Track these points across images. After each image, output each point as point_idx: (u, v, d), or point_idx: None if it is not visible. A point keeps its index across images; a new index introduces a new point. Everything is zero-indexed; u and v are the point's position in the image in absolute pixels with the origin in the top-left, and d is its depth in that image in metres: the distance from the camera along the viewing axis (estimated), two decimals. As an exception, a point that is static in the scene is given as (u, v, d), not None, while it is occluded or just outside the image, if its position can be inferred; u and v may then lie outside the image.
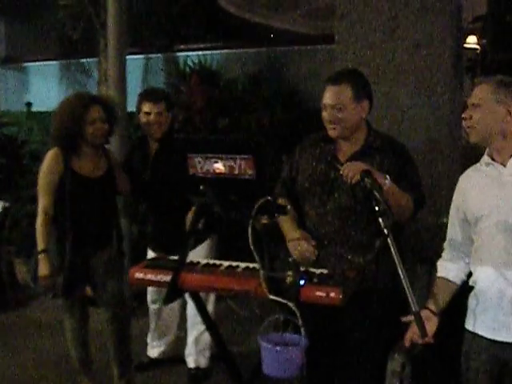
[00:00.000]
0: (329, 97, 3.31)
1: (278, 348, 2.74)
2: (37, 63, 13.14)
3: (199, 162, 2.86)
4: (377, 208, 2.69)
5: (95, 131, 4.18)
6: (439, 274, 3.18)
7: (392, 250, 2.59)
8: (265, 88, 8.93)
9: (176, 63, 10.67)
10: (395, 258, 2.58)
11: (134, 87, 10.78)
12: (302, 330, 2.75)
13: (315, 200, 3.41)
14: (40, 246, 4.09)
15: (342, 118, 3.29)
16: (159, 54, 11.64)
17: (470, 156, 3.45)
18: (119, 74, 6.11)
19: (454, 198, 3.18)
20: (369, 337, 3.24)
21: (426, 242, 3.66)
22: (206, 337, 4.69)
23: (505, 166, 2.93)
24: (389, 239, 2.60)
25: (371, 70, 4.18)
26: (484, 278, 2.95)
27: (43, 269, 4.05)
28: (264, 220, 2.83)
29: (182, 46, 11.45)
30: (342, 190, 3.30)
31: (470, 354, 3.00)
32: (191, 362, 4.92)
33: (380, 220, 2.65)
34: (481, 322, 2.96)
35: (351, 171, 2.99)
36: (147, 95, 4.62)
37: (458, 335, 3.13)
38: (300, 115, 8.40)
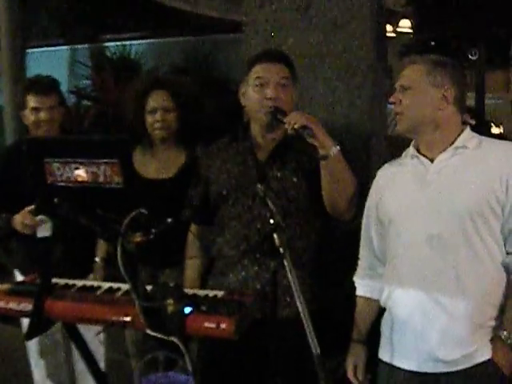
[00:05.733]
0: (274, 72, 2.89)
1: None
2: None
3: (58, 169, 2.31)
4: (271, 221, 2.18)
5: (155, 123, 3.56)
6: (359, 292, 2.70)
7: (288, 272, 2.09)
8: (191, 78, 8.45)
9: (99, 54, 10.13)
10: (291, 282, 2.08)
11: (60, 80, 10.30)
12: (190, 368, 2.25)
13: (238, 207, 2.93)
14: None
15: (285, 98, 2.88)
16: (85, 45, 11.13)
17: (397, 148, 3.01)
18: (14, 67, 5.61)
19: (368, 196, 2.73)
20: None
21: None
22: None
23: (432, 161, 2.45)
24: (285, 260, 2.09)
25: (283, 54, 3.68)
26: (404, 299, 2.46)
27: None
28: (137, 238, 2.29)
29: (108, 37, 10.94)
30: (270, 188, 2.83)
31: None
32: None
33: (275, 236, 2.14)
34: (400, 354, 2.49)
35: (294, 118, 2.67)
36: (33, 86, 3.78)
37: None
38: (230, 105, 7.94)
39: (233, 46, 9.28)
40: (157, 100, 3.58)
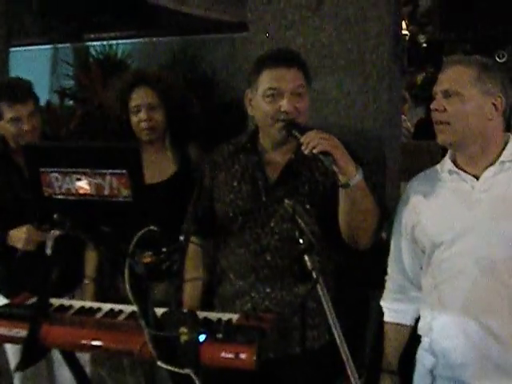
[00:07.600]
0: (289, 79, 2.54)
1: None
2: None
3: (56, 180, 2.05)
4: (301, 241, 1.93)
5: (140, 122, 3.27)
6: (388, 319, 2.46)
7: (323, 299, 1.85)
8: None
9: (84, 54, 9.87)
10: (327, 309, 1.84)
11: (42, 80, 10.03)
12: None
13: (245, 235, 2.64)
14: None
15: (301, 108, 2.56)
16: (69, 44, 10.87)
17: (411, 157, 2.76)
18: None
19: (398, 212, 2.47)
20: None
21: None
22: None
23: (477, 178, 2.21)
24: (319, 285, 1.85)
25: (292, 54, 3.42)
26: (451, 329, 2.21)
27: None
28: (147, 258, 2.04)
29: (92, 36, 10.67)
30: (281, 215, 2.53)
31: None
32: None
33: (306, 258, 1.89)
34: None
35: (313, 139, 2.30)
36: (6, 93, 3.33)
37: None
38: (218, 108, 7.70)
39: (221, 46, 9.06)
40: (140, 97, 3.29)
